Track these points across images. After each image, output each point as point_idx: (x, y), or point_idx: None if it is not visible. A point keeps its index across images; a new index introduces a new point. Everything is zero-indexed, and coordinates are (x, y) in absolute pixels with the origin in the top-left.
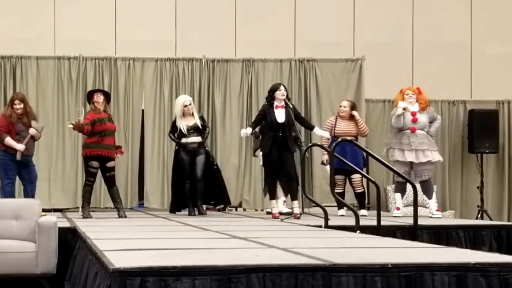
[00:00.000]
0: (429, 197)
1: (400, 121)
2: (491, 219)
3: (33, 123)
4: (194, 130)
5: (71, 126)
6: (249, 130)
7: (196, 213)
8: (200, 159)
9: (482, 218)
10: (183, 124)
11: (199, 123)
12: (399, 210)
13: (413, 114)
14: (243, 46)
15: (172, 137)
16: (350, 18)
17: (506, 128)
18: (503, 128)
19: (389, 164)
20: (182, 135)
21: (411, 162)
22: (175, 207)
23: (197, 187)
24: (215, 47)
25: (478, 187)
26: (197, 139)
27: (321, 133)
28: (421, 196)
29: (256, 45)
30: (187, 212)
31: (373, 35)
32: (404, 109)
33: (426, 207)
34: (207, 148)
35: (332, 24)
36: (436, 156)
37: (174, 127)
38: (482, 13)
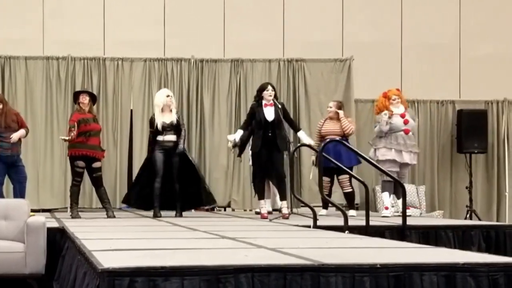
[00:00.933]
0: (399, 197)
1: (385, 131)
2: (479, 219)
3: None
4: (170, 128)
5: (62, 138)
6: (239, 134)
7: (178, 215)
8: (176, 161)
9: (471, 218)
10: (160, 121)
11: (175, 121)
12: (387, 209)
13: (403, 116)
14: (232, 46)
15: (149, 140)
16: (338, 18)
17: (494, 128)
18: (491, 128)
19: (377, 164)
20: (157, 132)
21: (400, 163)
22: (130, 200)
23: (175, 189)
24: (204, 47)
25: (467, 187)
26: (173, 137)
27: (303, 137)
28: (410, 197)
29: (245, 45)
30: (149, 212)
31: (362, 35)
32: (389, 117)
33: (393, 206)
34: (182, 148)
35: (320, 24)
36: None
37: (152, 126)
38: (471, 13)
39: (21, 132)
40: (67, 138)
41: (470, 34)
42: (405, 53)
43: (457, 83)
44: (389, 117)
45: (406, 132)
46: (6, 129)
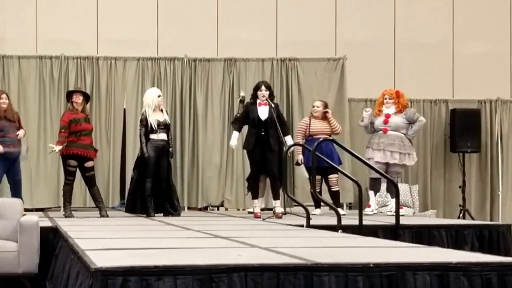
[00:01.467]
0: (392, 196)
1: (367, 127)
2: (473, 219)
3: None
4: (164, 126)
5: (52, 151)
6: (235, 135)
7: (177, 214)
8: (165, 161)
9: (464, 217)
10: (154, 119)
11: (168, 120)
12: (369, 207)
13: (387, 116)
14: (225, 45)
15: (143, 140)
16: (331, 17)
17: (488, 128)
18: (485, 127)
19: (365, 160)
20: (152, 130)
21: (387, 163)
22: (134, 207)
23: (168, 187)
24: (197, 47)
25: (460, 187)
26: (165, 136)
27: (289, 142)
28: (403, 196)
29: (238, 44)
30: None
31: (355, 35)
32: (373, 115)
33: (386, 205)
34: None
35: (314, 23)
36: (407, 160)
37: (145, 124)
38: (464, 12)
39: (24, 131)
40: (56, 150)
41: (463, 33)
42: (399, 52)
43: (450, 83)
44: (373, 115)
45: (384, 131)
46: (10, 124)
